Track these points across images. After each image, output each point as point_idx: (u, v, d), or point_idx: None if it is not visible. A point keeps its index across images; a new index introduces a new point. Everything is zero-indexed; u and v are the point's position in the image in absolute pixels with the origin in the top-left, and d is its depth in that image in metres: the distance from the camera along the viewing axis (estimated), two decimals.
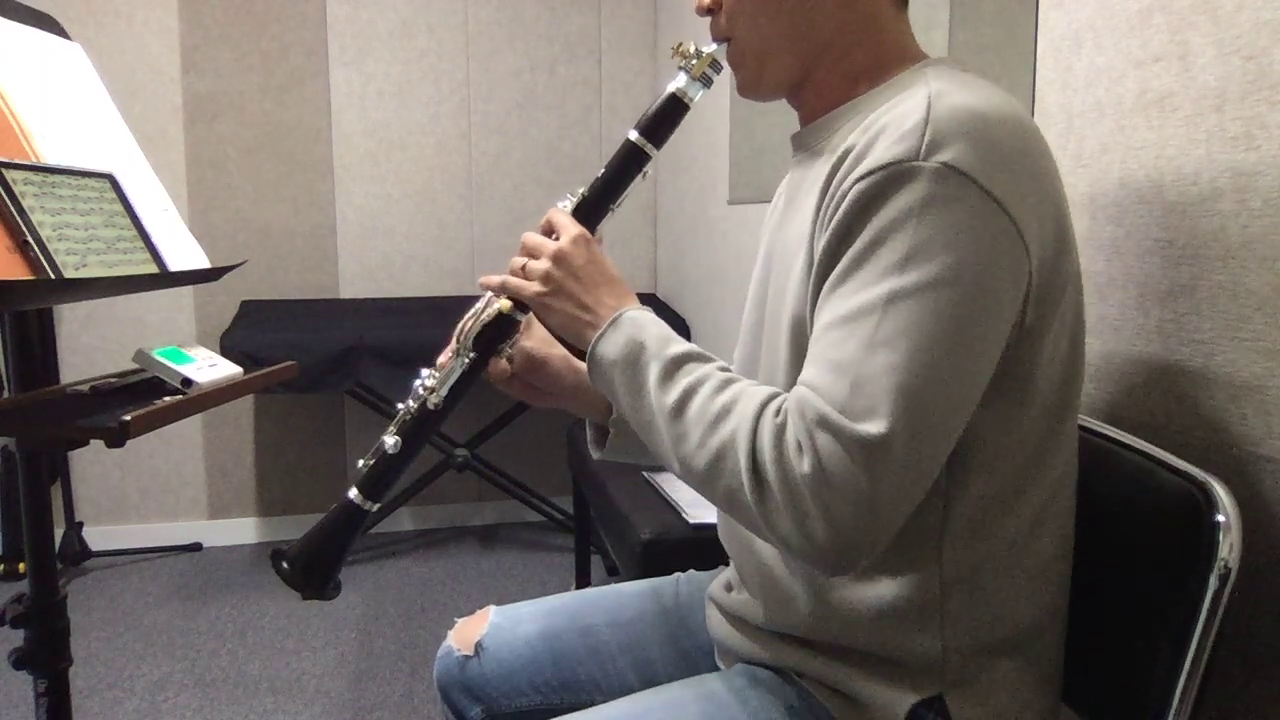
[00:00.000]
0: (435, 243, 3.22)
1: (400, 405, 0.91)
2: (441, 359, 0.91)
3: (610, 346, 0.79)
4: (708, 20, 0.87)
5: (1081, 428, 0.93)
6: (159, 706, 2.08)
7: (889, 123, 0.68)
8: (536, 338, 0.97)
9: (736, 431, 0.67)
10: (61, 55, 1.20)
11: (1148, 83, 0.97)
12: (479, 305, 0.90)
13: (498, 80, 3.21)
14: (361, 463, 0.91)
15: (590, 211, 0.88)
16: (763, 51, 0.83)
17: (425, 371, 0.91)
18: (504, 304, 0.88)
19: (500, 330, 0.89)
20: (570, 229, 0.85)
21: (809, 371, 0.68)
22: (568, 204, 0.89)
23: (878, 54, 0.81)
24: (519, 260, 0.87)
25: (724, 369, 0.75)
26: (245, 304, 3.00)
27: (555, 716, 0.87)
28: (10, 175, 0.97)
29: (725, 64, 0.86)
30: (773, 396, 0.69)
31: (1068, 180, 1.11)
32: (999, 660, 0.76)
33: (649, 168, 0.89)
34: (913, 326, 0.63)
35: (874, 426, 0.62)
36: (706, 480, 0.70)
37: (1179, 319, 0.92)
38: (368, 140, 3.13)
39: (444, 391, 0.89)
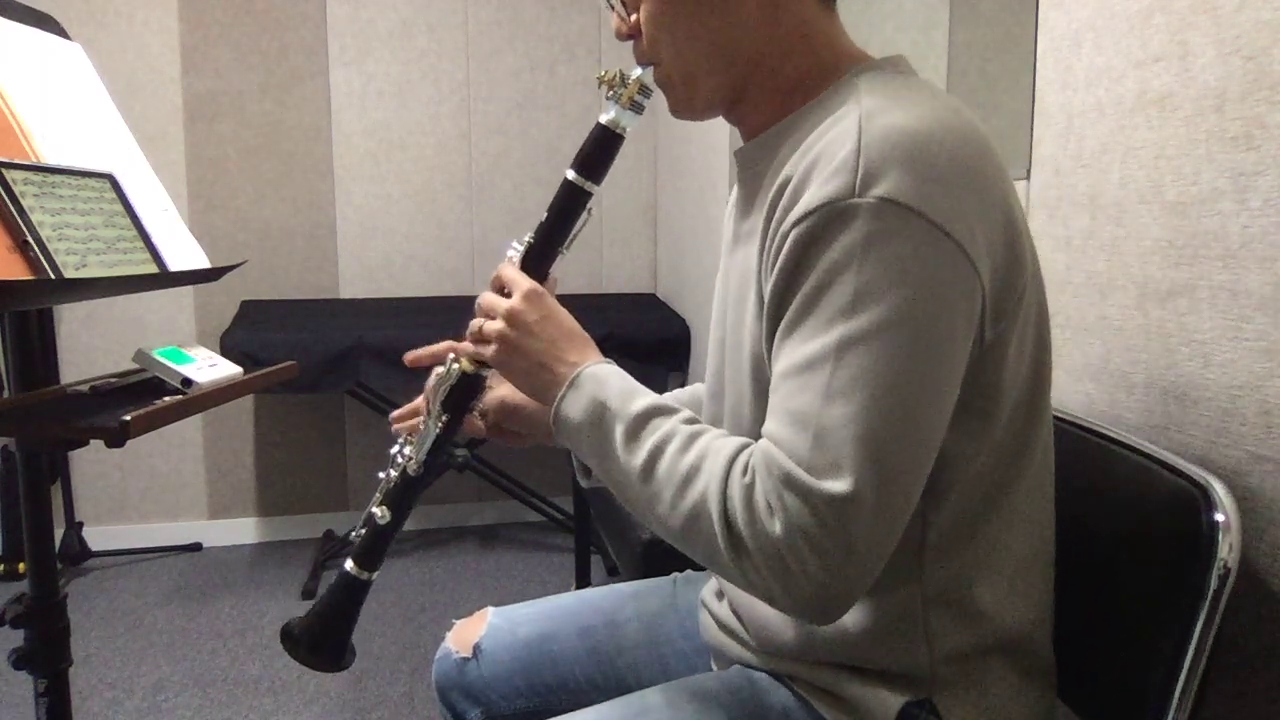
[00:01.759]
0: (435, 243, 3.23)
1: (381, 474, 0.93)
2: (412, 421, 0.93)
3: (573, 408, 0.77)
4: None
5: (1082, 428, 0.93)
6: (159, 706, 2.08)
7: (821, 153, 0.67)
8: (508, 386, 0.98)
9: (707, 493, 0.66)
10: (61, 55, 1.20)
11: (1148, 83, 0.97)
12: (443, 368, 0.91)
13: (498, 80, 3.21)
14: (353, 534, 0.93)
15: (539, 259, 0.87)
16: (688, 73, 0.80)
17: (402, 438, 0.93)
18: (467, 364, 0.88)
19: (467, 390, 0.90)
20: (521, 285, 0.83)
21: (770, 424, 0.67)
22: (515, 254, 0.88)
23: (812, 64, 0.78)
24: (476, 323, 0.85)
25: (690, 420, 0.73)
26: (245, 304, 3.00)
27: (553, 717, 0.87)
28: (10, 175, 0.97)
29: (654, 87, 0.83)
30: (738, 452, 0.68)
31: (1067, 180, 1.11)
32: (986, 661, 0.76)
33: (591, 204, 0.87)
34: (867, 373, 0.62)
35: (840, 484, 0.61)
36: (683, 541, 0.70)
37: (1179, 319, 0.92)
38: (368, 140, 3.13)
39: (422, 457, 0.90)
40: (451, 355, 0.90)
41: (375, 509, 0.91)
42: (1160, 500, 0.78)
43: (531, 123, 3.25)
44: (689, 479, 0.68)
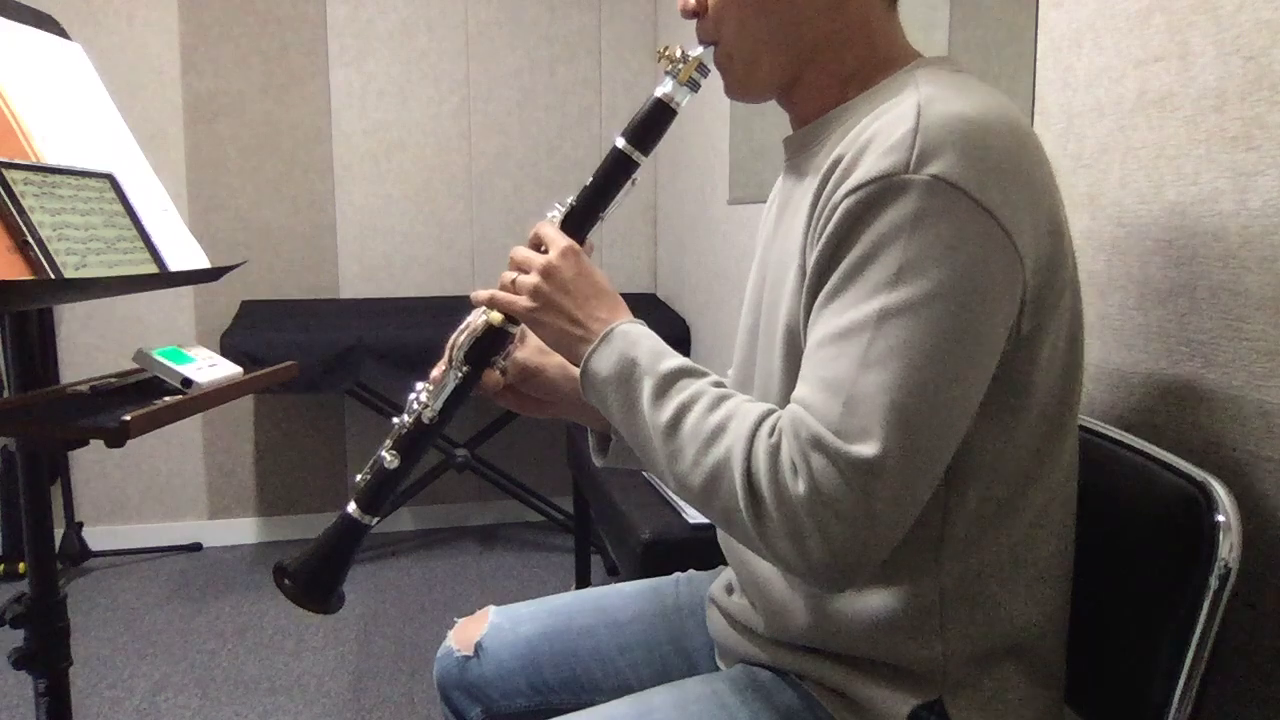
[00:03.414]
0: (435, 243, 3.23)
1: (395, 420, 0.91)
2: (435, 372, 0.92)
3: (602, 362, 0.78)
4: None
5: (1082, 428, 0.93)
6: (159, 706, 2.08)
7: (877, 132, 0.68)
8: (530, 348, 0.97)
9: (731, 450, 0.67)
10: (61, 55, 1.20)
11: (1148, 83, 0.97)
12: (470, 318, 0.90)
13: (498, 80, 3.21)
14: (359, 477, 0.91)
15: (579, 222, 0.87)
16: (750, 55, 0.82)
17: (419, 385, 0.91)
18: (494, 316, 0.87)
19: (492, 343, 0.89)
20: (559, 242, 0.84)
21: (802, 389, 0.67)
22: (556, 214, 0.88)
23: (869, 56, 0.80)
24: (508, 275, 0.86)
25: (717, 384, 0.74)
26: (245, 304, 3.00)
27: (555, 717, 0.87)
28: (10, 175, 0.97)
29: (712, 67, 0.84)
30: (766, 415, 0.69)
31: (1067, 180, 1.11)
32: (999, 664, 0.76)
33: (637, 174, 0.88)
34: (905, 344, 0.63)
35: (868, 448, 0.62)
36: (702, 499, 0.70)
37: (1179, 319, 0.92)
38: (368, 140, 3.13)
39: (438, 405, 0.89)
40: (482, 308, 0.89)
41: (385, 453, 0.90)
42: (1160, 500, 0.78)
43: (531, 123, 3.25)
44: (714, 437, 0.69)
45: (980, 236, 0.64)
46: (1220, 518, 0.72)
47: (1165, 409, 0.94)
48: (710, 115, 2.66)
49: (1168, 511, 0.77)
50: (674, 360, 0.75)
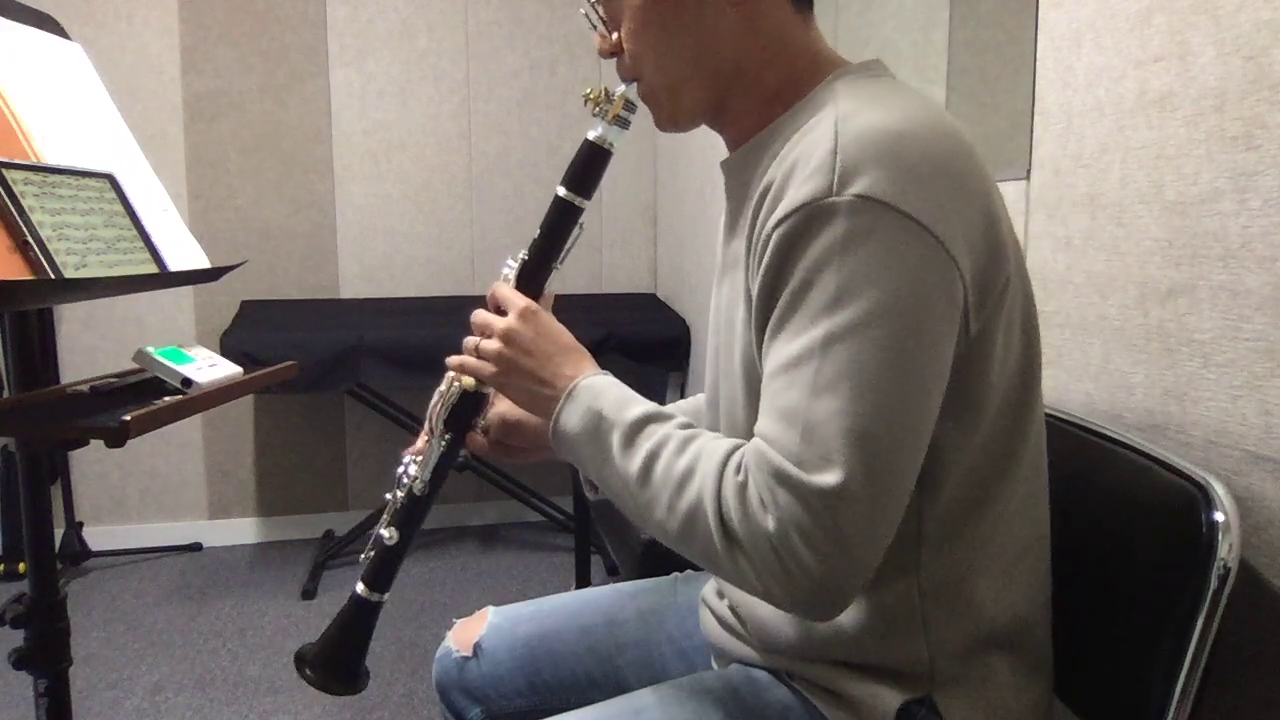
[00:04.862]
0: (435, 243, 3.23)
1: (388, 495, 0.93)
2: (419, 443, 0.93)
3: (570, 420, 0.78)
4: None
5: (1082, 428, 0.93)
6: (159, 706, 2.08)
7: (800, 156, 0.68)
8: (508, 402, 0.97)
9: (702, 494, 0.67)
10: (61, 55, 1.20)
11: (1148, 83, 0.97)
12: (444, 385, 0.92)
13: (498, 80, 3.21)
14: (363, 556, 0.93)
15: (533, 275, 0.88)
16: (671, 87, 0.82)
17: (406, 458, 0.93)
18: (467, 381, 0.89)
19: (469, 408, 0.91)
20: (516, 303, 0.85)
21: (762, 422, 0.67)
22: (511, 271, 0.89)
23: (789, 71, 0.79)
24: (471, 340, 0.87)
25: (684, 425, 0.74)
26: (245, 304, 3.00)
27: (553, 716, 0.87)
28: (10, 175, 0.97)
29: (639, 102, 0.85)
30: (731, 452, 0.69)
31: (1067, 180, 1.11)
32: (986, 655, 0.76)
33: (583, 219, 0.89)
34: (852, 367, 0.63)
35: (830, 477, 0.61)
36: (681, 543, 0.70)
37: (1179, 319, 0.92)
38: (368, 140, 3.13)
39: (427, 476, 0.91)
40: (452, 375, 0.90)
41: (383, 530, 0.91)
42: (1160, 500, 0.78)
43: (531, 123, 3.25)
44: (684, 481, 0.69)
45: (912, 248, 0.64)
46: (1220, 517, 0.72)
47: (1165, 409, 0.94)
48: None
49: (1167, 511, 0.77)
50: (639, 407, 0.76)
